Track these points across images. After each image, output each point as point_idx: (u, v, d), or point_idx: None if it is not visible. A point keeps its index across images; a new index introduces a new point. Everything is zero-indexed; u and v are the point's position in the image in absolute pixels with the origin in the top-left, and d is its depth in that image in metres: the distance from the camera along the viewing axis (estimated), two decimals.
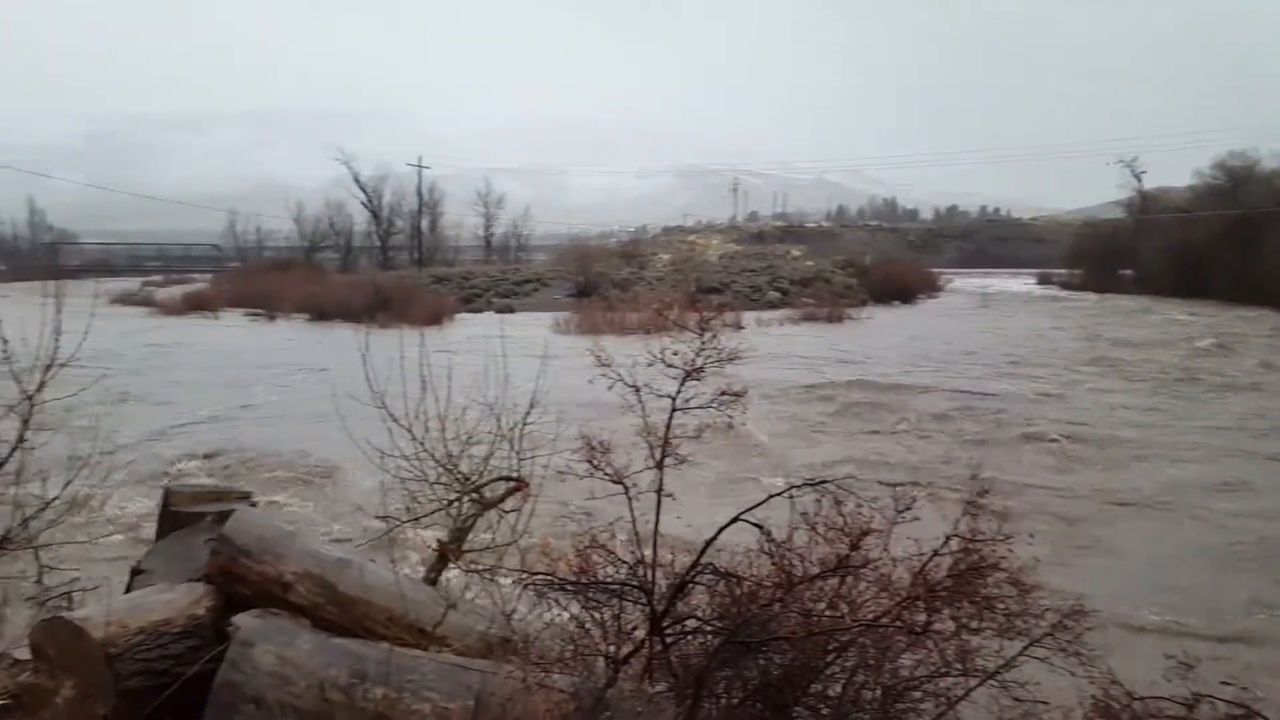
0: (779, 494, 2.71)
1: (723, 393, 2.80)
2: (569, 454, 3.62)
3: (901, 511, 2.56)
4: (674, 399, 2.81)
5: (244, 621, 3.48)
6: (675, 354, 2.75)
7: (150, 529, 4.71)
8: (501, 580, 4.06)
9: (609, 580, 2.79)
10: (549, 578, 2.85)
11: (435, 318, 30.54)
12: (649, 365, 2.81)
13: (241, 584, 3.82)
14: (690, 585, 2.72)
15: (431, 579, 4.20)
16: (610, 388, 2.89)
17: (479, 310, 41.35)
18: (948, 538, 2.56)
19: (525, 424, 4.40)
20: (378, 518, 4.34)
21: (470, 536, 4.29)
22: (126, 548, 4.96)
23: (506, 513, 4.30)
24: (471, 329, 25.92)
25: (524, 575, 3.10)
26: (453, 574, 4.28)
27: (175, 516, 4.70)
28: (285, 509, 8.56)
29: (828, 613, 2.60)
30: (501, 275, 51.86)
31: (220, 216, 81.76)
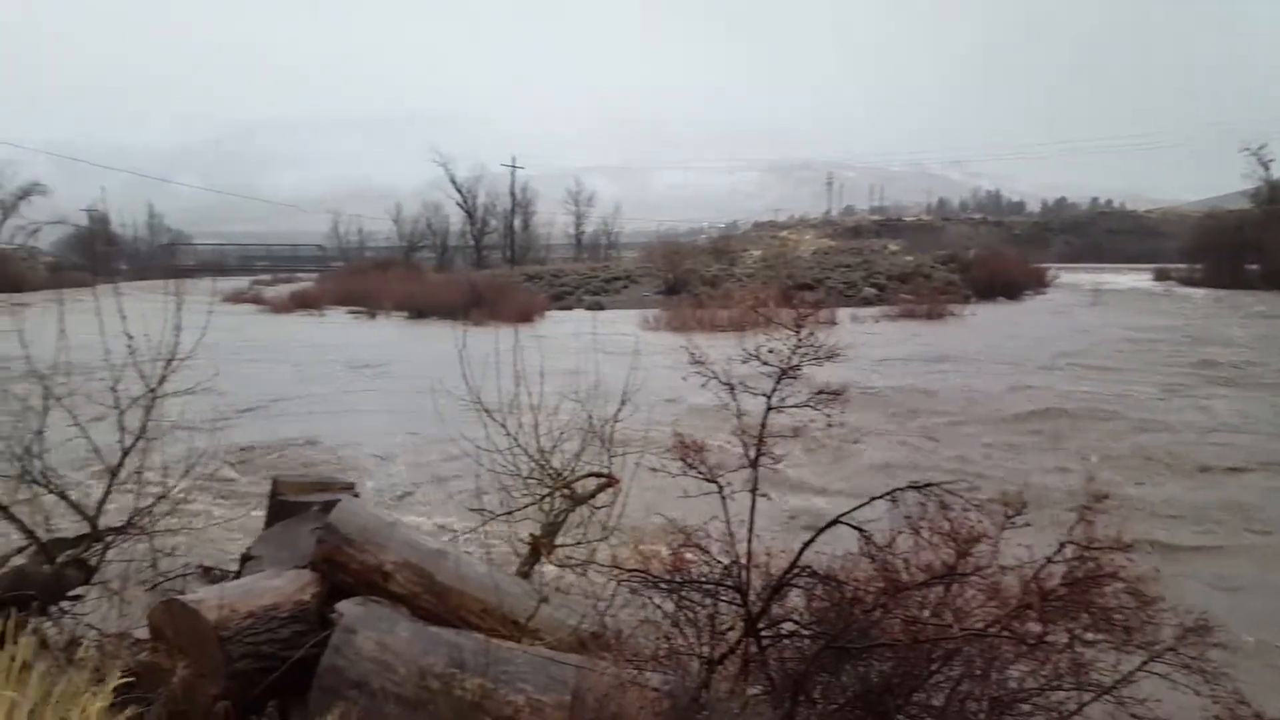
0: (881, 496, 2.62)
1: (820, 391, 2.73)
2: (660, 451, 3.60)
3: (1011, 517, 2.44)
4: (769, 397, 2.75)
5: (347, 608, 3.57)
6: (771, 351, 2.70)
7: (258, 517, 4.90)
8: (593, 576, 4.09)
9: (703, 579, 2.76)
10: (642, 575, 2.83)
11: (526, 315, 30.88)
12: (744, 363, 2.76)
13: (344, 572, 3.93)
14: (787, 587, 2.66)
15: (524, 572, 4.25)
16: (704, 385, 2.86)
17: (569, 307, 41.69)
18: (1061, 545, 2.43)
19: (616, 421, 4.41)
20: (472, 510, 4.40)
21: (561, 531, 4.33)
22: (235, 533, 5.14)
23: (597, 509, 4.32)
24: (561, 326, 26.18)
25: (616, 571, 3.09)
26: (545, 568, 4.32)
27: (283, 505, 4.89)
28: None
29: (932, 620, 2.50)
30: (591, 273, 52.19)
31: (325, 218, 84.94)
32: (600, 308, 39.26)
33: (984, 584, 2.49)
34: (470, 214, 70.77)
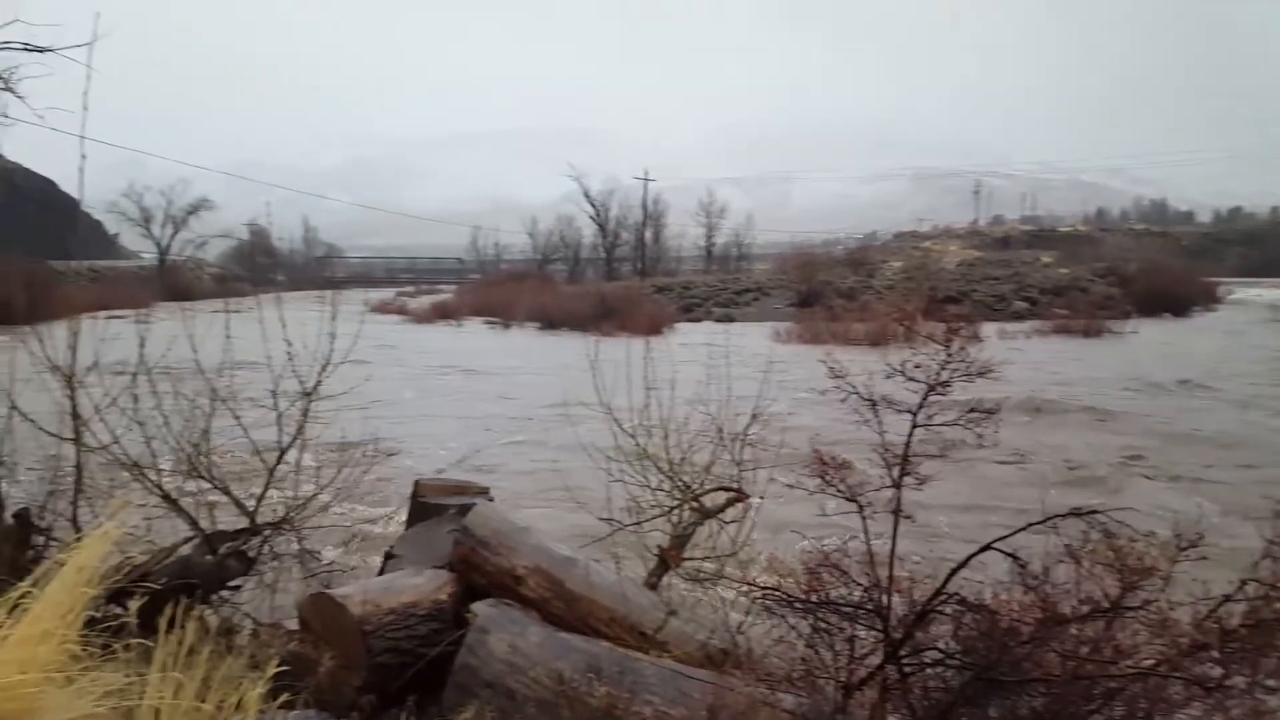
0: (1038, 522, 2.46)
1: (971, 409, 2.59)
2: (792, 467, 3.52)
3: (1185, 549, 2.24)
4: (914, 414, 2.63)
5: (481, 609, 3.65)
6: (918, 367, 2.58)
7: (399, 518, 5.10)
8: (721, 591, 4.03)
9: (841, 601, 2.67)
10: (777, 593, 2.77)
11: (655, 326, 31.04)
12: (887, 378, 2.66)
13: (478, 573, 4.03)
14: (932, 614, 2.54)
15: (651, 584, 4.24)
16: (844, 400, 2.77)
17: (698, 320, 41.67)
18: (1243, 582, 2.21)
19: (746, 434, 4.35)
20: (601, 519, 4.43)
21: (689, 545, 4.30)
22: (377, 531, 5.36)
23: (726, 523, 4.27)
24: (690, 338, 26.17)
25: (751, 588, 3.03)
26: (672, 580, 4.29)
27: (423, 507, 5.07)
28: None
29: (1091, 656, 2.32)
30: (721, 284, 52.05)
31: (465, 231, 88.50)
32: (730, 320, 39.01)
33: (1151, 620, 2.30)
34: (602, 227, 72.02)
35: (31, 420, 3.99)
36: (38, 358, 3.91)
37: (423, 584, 4.01)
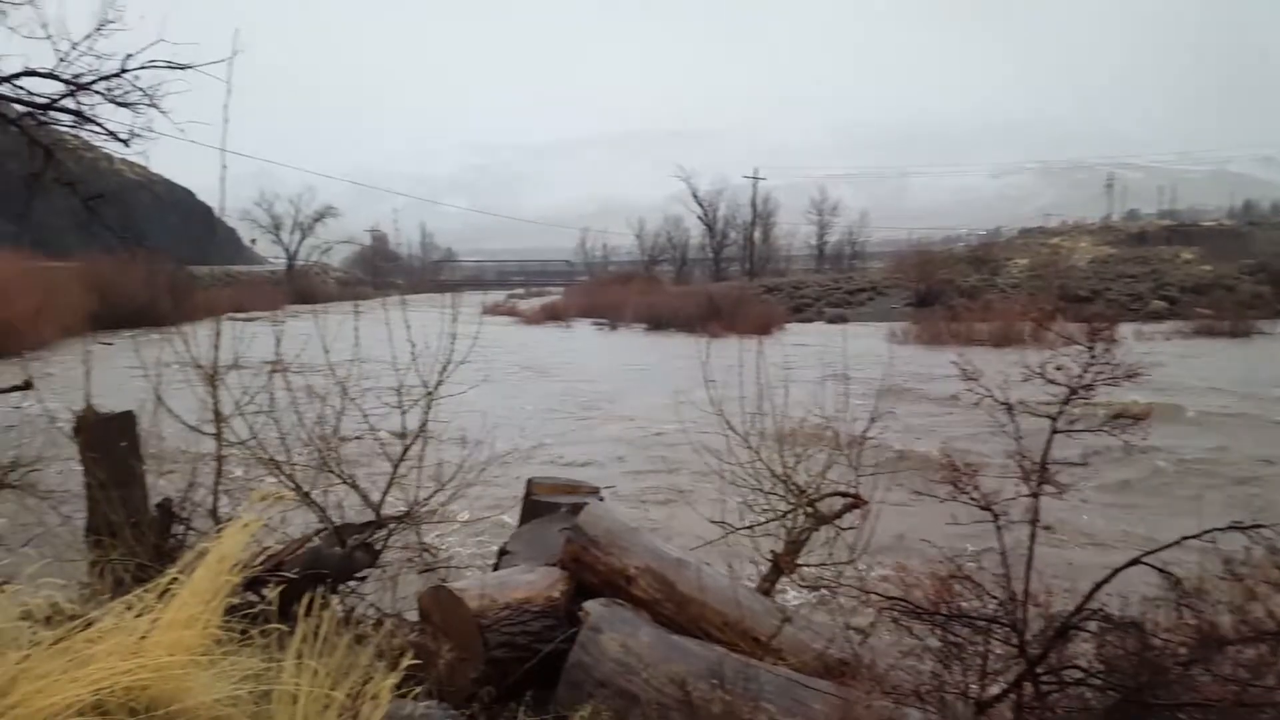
0: (1193, 536, 2.28)
1: (1118, 415, 2.43)
2: (914, 471, 3.40)
3: None
4: (1054, 420, 2.48)
5: (593, 608, 3.67)
6: (1058, 369, 2.43)
7: (513, 515, 5.19)
8: (834, 597, 3.93)
9: (974, 614, 2.54)
10: (903, 603, 2.66)
11: (764, 327, 30.64)
12: (1025, 380, 2.52)
13: (590, 572, 4.06)
14: (1073, 630, 2.39)
15: (765, 589, 4.18)
16: (977, 404, 2.63)
17: (809, 320, 41.06)
18: None
19: (865, 438, 4.23)
20: (713, 522, 4.39)
21: (804, 550, 4.21)
22: (492, 528, 5.48)
23: (843, 529, 4.16)
24: (801, 338, 25.80)
25: (877, 598, 2.93)
26: (786, 587, 4.22)
27: (536, 505, 5.14)
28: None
29: (1254, 681, 2.13)
30: (834, 284, 51.14)
31: (574, 234, 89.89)
32: (843, 320, 38.24)
33: None
34: (710, 227, 71.74)
35: (177, 416, 4.24)
36: (182, 357, 4.15)
37: (536, 581, 4.06)
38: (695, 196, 70.70)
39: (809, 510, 4.24)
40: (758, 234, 70.79)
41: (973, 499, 2.59)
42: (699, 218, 71.77)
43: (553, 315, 45.22)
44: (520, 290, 70.02)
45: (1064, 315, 2.76)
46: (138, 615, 2.31)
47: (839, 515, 4.19)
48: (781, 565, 4.11)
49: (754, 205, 68.17)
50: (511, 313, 46.90)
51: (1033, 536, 2.47)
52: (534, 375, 20.16)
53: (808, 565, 4.13)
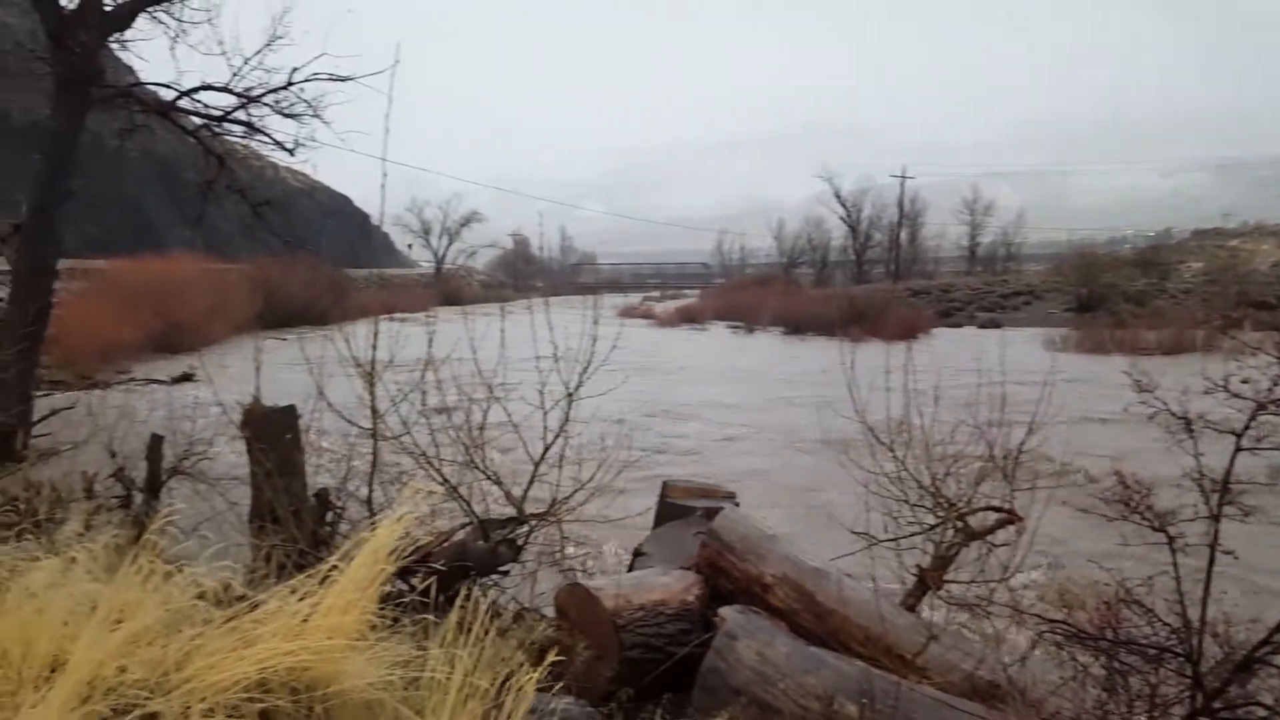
0: None
1: None
2: (1079, 488, 3.18)
3: None
4: (1239, 436, 2.27)
5: (729, 614, 3.64)
6: (1244, 381, 2.22)
7: (647, 518, 5.21)
8: (978, 618, 3.74)
9: (1144, 641, 2.35)
10: (1065, 626, 2.49)
11: (910, 331, 29.61)
12: (1205, 392, 2.31)
13: (725, 578, 4.03)
14: (1257, 663, 2.17)
15: (909, 605, 4.03)
16: (1151, 418, 2.44)
17: (959, 325, 39.46)
18: None
19: (1020, 451, 4.00)
20: (854, 533, 4.27)
21: (952, 566, 4.03)
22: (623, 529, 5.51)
23: (995, 546, 3.95)
24: (950, 344, 24.77)
25: (1036, 619, 2.76)
26: (933, 603, 4.04)
27: (670, 508, 5.16)
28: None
29: None
30: (986, 287, 48.92)
31: (711, 236, 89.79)
32: (996, 325, 36.54)
33: None
34: (853, 228, 69.99)
35: (338, 411, 4.49)
36: (341, 355, 4.40)
37: (671, 584, 4.06)
38: (838, 196, 69.14)
39: (958, 525, 4.06)
40: (904, 235, 68.42)
41: (1144, 519, 2.39)
42: (841, 218, 70.15)
43: (688, 318, 45.30)
44: (656, 293, 70.57)
45: (1237, 323, 2.50)
46: (300, 599, 2.45)
47: (991, 531, 3.99)
48: (928, 581, 3.95)
49: (901, 205, 65.88)
50: (647, 315, 47.26)
51: (1211, 561, 2.27)
52: (667, 376, 20.25)
53: (956, 582, 3.95)
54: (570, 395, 4.32)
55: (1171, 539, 2.35)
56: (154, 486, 5.05)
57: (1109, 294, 39.38)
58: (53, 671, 2.22)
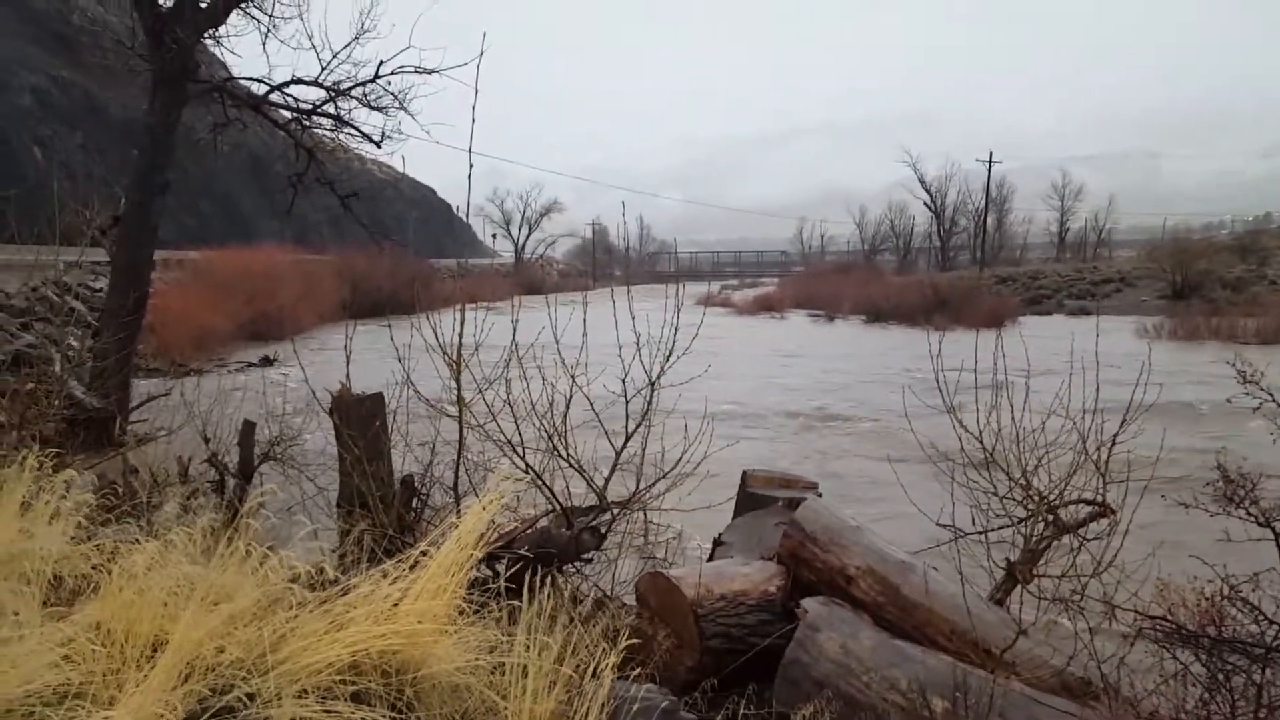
0: None
1: None
2: (1175, 481, 3.05)
3: None
4: None
5: (811, 606, 3.61)
6: None
7: (727, 507, 5.20)
8: (1084, 614, 3.61)
9: (1250, 640, 2.25)
10: (1165, 623, 2.40)
11: (996, 319, 28.78)
12: None
13: (807, 569, 3.99)
14: None
15: (997, 599, 3.93)
16: (1257, 409, 2.32)
17: (1047, 313, 38.27)
18: None
19: (1115, 441, 3.85)
20: (940, 525, 4.17)
21: (1042, 560, 3.91)
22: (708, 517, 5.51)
23: (1087, 540, 3.82)
24: (1038, 332, 24.00)
25: (1136, 615, 2.66)
26: (1021, 597, 3.93)
27: (751, 497, 5.13)
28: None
29: None
30: (1076, 274, 47.26)
31: (790, 224, 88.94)
32: (1085, 313, 35.31)
33: None
34: (937, 214, 68.23)
35: (426, 400, 4.60)
36: (428, 343, 4.49)
37: (752, 574, 4.05)
38: (922, 182, 67.53)
39: (1049, 518, 3.94)
40: (991, 220, 66.35)
41: (1249, 514, 2.28)
42: (925, 204, 68.50)
43: (766, 306, 45.02)
44: (734, 281, 70.12)
45: None
46: (392, 583, 2.52)
47: (1083, 525, 3.85)
48: (1017, 575, 3.84)
49: (987, 190, 63.84)
50: (725, 304, 47.05)
51: None
52: (744, 365, 20.13)
53: (1046, 576, 3.84)
54: (652, 384, 4.34)
55: (1278, 535, 2.24)
56: (246, 472, 5.26)
57: (1204, 280, 37.80)
58: (154, 651, 2.32)
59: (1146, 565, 3.27)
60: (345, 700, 2.19)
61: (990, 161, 61.12)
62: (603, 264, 77.66)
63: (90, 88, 37.52)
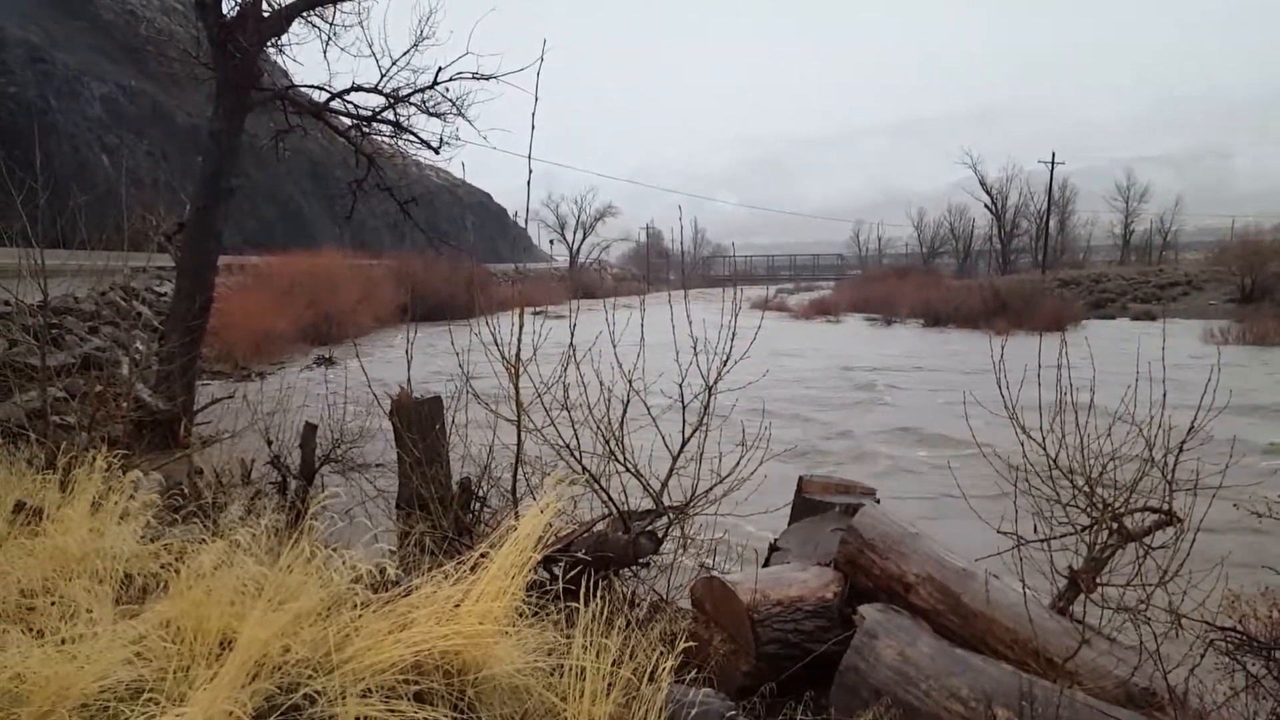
0: None
1: None
2: (1244, 489, 2.96)
3: None
4: None
5: (869, 613, 3.59)
6: None
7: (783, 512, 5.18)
8: (1150, 624, 3.53)
9: None
10: (1235, 633, 2.34)
11: (1057, 323, 27.99)
12: None
13: (865, 575, 3.97)
14: None
15: (1060, 607, 3.85)
16: None
17: (1111, 316, 37.29)
18: None
19: (1182, 448, 3.75)
20: (1002, 533, 4.11)
21: (1106, 569, 3.83)
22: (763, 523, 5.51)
23: (1152, 549, 3.73)
24: (1102, 336, 23.38)
25: (1206, 626, 2.59)
26: (1084, 607, 3.85)
27: (807, 503, 5.11)
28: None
29: None
30: (1141, 277, 45.94)
31: (846, 227, 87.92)
32: (1150, 317, 34.36)
33: None
34: (998, 216, 66.89)
35: (484, 402, 4.67)
36: (485, 347, 4.56)
37: (809, 580, 4.04)
38: (982, 184, 66.25)
39: (1113, 526, 3.85)
40: (1053, 223, 64.75)
41: None
42: (986, 206, 67.21)
43: (822, 310, 44.64)
44: (790, 285, 69.62)
45: None
46: (454, 584, 2.57)
47: (1148, 533, 3.76)
48: (1081, 583, 3.76)
49: (1050, 192, 62.28)
50: (780, 308, 46.74)
51: None
52: (806, 369, 19.97)
53: (1110, 585, 3.75)
54: (709, 388, 4.36)
55: None
56: (308, 473, 5.40)
57: (1275, 283, 36.26)
58: (222, 648, 2.39)
59: (1214, 575, 3.18)
60: (408, 700, 2.23)
61: (1053, 162, 59.66)
62: (657, 268, 77.71)
63: (157, 96, 38.81)
